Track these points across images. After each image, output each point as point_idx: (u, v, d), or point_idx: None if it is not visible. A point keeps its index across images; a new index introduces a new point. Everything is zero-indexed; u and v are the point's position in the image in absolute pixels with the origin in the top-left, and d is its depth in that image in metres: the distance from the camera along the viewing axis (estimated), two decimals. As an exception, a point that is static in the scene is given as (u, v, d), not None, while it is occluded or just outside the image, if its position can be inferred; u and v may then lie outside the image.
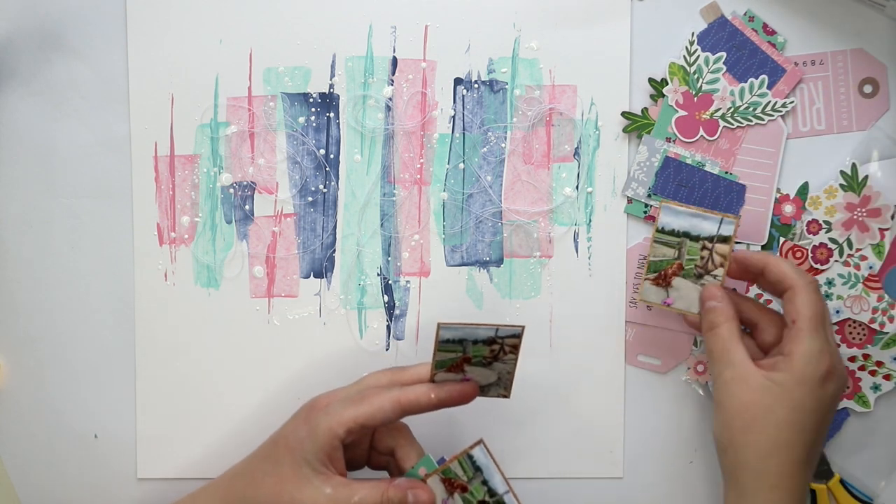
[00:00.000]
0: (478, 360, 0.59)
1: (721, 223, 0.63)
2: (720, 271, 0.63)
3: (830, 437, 0.68)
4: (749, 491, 0.58)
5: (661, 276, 0.64)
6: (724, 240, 0.63)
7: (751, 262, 0.62)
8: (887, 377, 0.68)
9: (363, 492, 0.57)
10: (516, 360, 0.59)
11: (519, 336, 0.58)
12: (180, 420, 0.69)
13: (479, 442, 0.60)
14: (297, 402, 0.68)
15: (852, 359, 0.68)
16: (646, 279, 0.64)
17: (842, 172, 0.67)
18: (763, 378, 0.58)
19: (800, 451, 0.58)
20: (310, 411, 0.60)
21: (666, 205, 0.63)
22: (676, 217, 0.63)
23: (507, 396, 0.62)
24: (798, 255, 0.67)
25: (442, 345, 0.58)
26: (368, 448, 0.62)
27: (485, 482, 0.60)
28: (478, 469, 0.60)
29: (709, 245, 0.63)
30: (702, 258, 0.63)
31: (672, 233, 0.63)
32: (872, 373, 0.68)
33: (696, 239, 0.63)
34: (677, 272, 0.64)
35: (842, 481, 0.68)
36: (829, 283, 0.67)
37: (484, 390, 0.61)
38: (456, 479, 0.60)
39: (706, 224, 0.63)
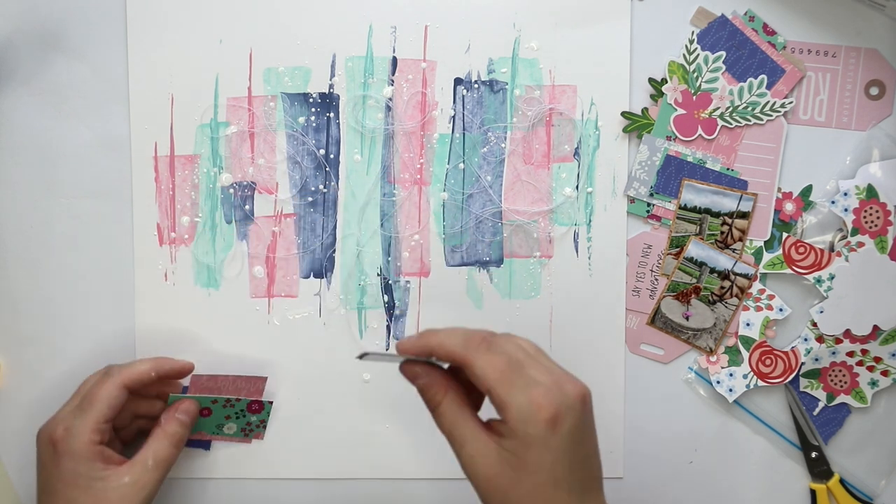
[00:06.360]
0: None
1: (741, 199, 0.67)
2: (734, 300, 0.67)
3: (831, 436, 0.69)
4: None
5: (681, 294, 0.68)
6: (744, 215, 0.67)
7: (416, 350, 0.56)
8: (885, 373, 0.68)
9: (148, 451, 0.62)
10: None
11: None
12: (180, 420, 0.69)
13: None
14: (297, 401, 0.69)
15: (850, 353, 0.68)
16: (666, 296, 0.68)
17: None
18: (496, 448, 0.53)
19: (564, 497, 0.53)
20: (56, 446, 0.61)
21: (689, 182, 0.67)
22: (698, 194, 0.67)
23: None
24: (801, 250, 0.67)
25: None
26: (134, 431, 0.67)
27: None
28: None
29: (728, 220, 0.67)
30: (722, 233, 0.67)
31: (694, 209, 0.67)
32: (871, 368, 0.68)
33: (716, 215, 0.67)
34: (696, 293, 0.68)
35: (842, 481, 0.68)
36: (832, 278, 0.67)
37: None
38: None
39: (726, 201, 0.67)
